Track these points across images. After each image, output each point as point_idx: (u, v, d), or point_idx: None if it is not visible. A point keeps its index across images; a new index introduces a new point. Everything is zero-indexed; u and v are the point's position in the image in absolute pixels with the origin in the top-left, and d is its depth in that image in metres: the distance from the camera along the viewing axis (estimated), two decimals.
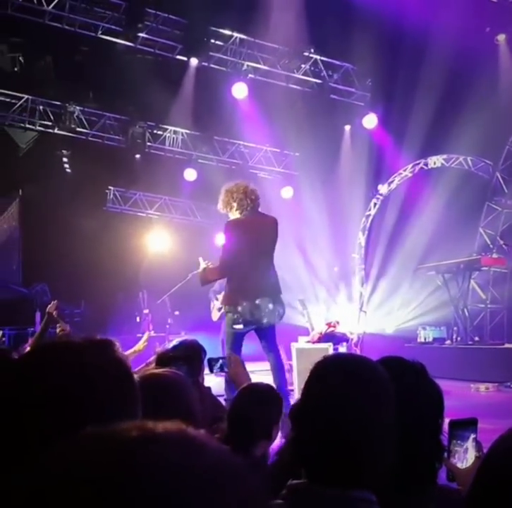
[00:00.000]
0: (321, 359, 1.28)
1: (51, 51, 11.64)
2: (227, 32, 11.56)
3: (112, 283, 13.19)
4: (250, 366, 3.31)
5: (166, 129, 13.38)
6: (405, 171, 12.00)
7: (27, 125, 12.32)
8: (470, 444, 1.65)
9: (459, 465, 1.62)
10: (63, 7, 10.31)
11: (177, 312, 11.31)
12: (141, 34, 10.92)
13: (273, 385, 3.33)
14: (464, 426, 1.67)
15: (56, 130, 12.36)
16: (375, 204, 12.53)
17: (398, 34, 10.06)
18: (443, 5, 9.58)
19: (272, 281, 4.85)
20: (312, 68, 12.45)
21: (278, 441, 2.44)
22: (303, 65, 12.29)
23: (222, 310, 4.85)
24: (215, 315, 9.08)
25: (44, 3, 10.11)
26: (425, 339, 10.62)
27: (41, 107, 12.19)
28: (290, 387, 7.58)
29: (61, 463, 0.45)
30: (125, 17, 10.64)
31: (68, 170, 13.39)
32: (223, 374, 3.61)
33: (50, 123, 12.30)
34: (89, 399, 0.88)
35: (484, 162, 11.20)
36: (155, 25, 10.95)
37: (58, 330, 4.52)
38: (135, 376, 1.72)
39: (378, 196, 12.45)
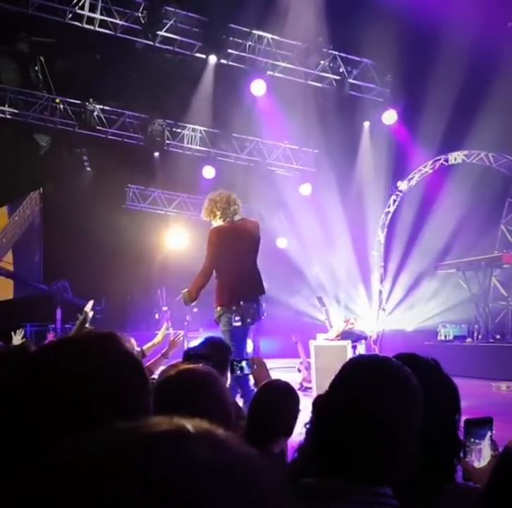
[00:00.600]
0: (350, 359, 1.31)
1: (70, 50, 11.74)
2: (246, 29, 11.56)
3: (131, 280, 13.31)
4: (269, 363, 3.32)
5: (185, 127, 13.42)
6: (425, 167, 11.90)
7: (48, 124, 12.45)
8: (485, 443, 1.64)
9: (475, 464, 1.60)
10: (83, 6, 10.40)
11: (195, 310, 11.36)
12: (160, 33, 10.97)
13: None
14: (480, 425, 1.66)
15: (76, 129, 12.48)
16: (394, 200, 12.44)
17: (417, 29, 9.96)
18: None
19: (258, 281, 5.08)
20: (331, 65, 12.40)
21: (297, 437, 2.44)
22: (322, 62, 12.25)
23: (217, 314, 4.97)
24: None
25: (65, 3, 10.21)
26: (446, 337, 10.54)
27: (61, 106, 12.31)
28: (308, 385, 7.58)
29: (82, 457, 0.45)
30: (145, 16, 10.69)
31: (88, 168, 13.51)
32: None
33: (70, 122, 12.42)
34: (97, 390, 0.89)
35: (506, 158, 11.05)
36: (174, 23, 10.99)
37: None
38: (172, 371, 1.74)
39: (397, 193, 12.36)
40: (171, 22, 10.96)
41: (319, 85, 12.60)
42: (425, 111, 10.89)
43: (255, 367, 3.18)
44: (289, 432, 2.43)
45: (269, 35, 11.74)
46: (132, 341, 3.09)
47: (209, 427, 0.48)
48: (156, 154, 13.71)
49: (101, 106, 12.49)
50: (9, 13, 10.23)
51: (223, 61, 11.74)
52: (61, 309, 11.77)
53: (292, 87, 12.18)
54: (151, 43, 11.08)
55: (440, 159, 11.67)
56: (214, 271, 5.00)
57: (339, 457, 1.18)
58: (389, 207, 12.54)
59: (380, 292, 12.52)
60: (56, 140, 12.68)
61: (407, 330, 11.71)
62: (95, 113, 12.32)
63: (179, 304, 6.17)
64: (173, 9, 10.93)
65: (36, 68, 12.24)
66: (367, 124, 13.36)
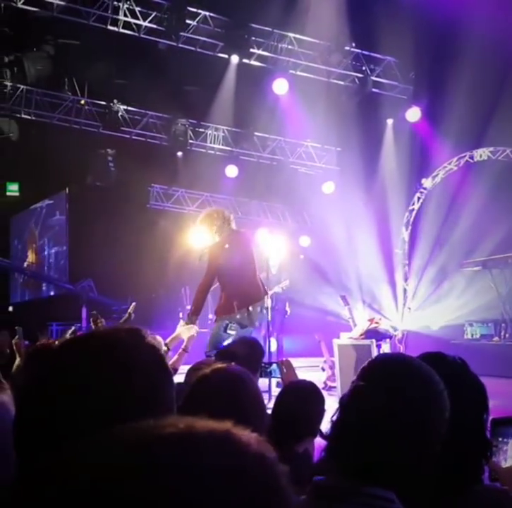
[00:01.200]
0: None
1: (94, 52, 11.85)
2: (267, 28, 11.56)
3: (155, 279, 13.39)
4: (292, 362, 3.32)
5: (208, 126, 13.47)
6: (449, 164, 11.76)
7: (73, 125, 12.60)
8: None
9: (502, 464, 1.58)
10: (107, 8, 10.51)
11: None
12: (183, 33, 11.03)
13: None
14: (507, 424, 1.64)
15: (100, 130, 12.61)
16: (419, 198, 12.32)
17: (439, 25, 9.87)
18: None
19: (259, 287, 5.57)
20: (353, 63, 12.33)
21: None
22: (344, 60, 12.19)
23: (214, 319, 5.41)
24: None
25: (88, 5, 10.33)
26: (472, 336, 10.41)
27: (86, 107, 12.45)
28: (333, 384, 7.56)
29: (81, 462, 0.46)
30: (168, 17, 10.76)
31: (113, 168, 13.64)
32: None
33: (95, 123, 12.56)
34: (123, 384, 0.89)
35: None
36: (196, 24, 11.04)
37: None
38: (207, 370, 1.75)
39: (422, 190, 12.23)
40: (194, 22, 11.02)
41: (342, 83, 12.54)
42: (449, 107, 10.76)
43: (284, 370, 3.18)
44: (314, 432, 2.42)
45: (290, 34, 11.72)
46: (159, 338, 3.11)
47: (229, 429, 0.48)
48: (180, 153, 13.79)
49: (125, 107, 12.61)
50: (35, 16, 10.39)
51: (245, 61, 11.76)
52: (87, 308, 11.90)
53: (314, 86, 12.15)
54: (174, 44, 11.15)
55: (465, 156, 11.52)
56: (212, 286, 5.62)
57: (354, 456, 1.18)
58: (413, 204, 12.42)
59: (405, 290, 12.41)
60: (81, 141, 12.81)
61: (432, 329, 11.59)
62: (119, 114, 12.44)
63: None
64: (195, 10, 10.98)
65: (61, 70, 12.39)
66: (390, 121, 13.25)
